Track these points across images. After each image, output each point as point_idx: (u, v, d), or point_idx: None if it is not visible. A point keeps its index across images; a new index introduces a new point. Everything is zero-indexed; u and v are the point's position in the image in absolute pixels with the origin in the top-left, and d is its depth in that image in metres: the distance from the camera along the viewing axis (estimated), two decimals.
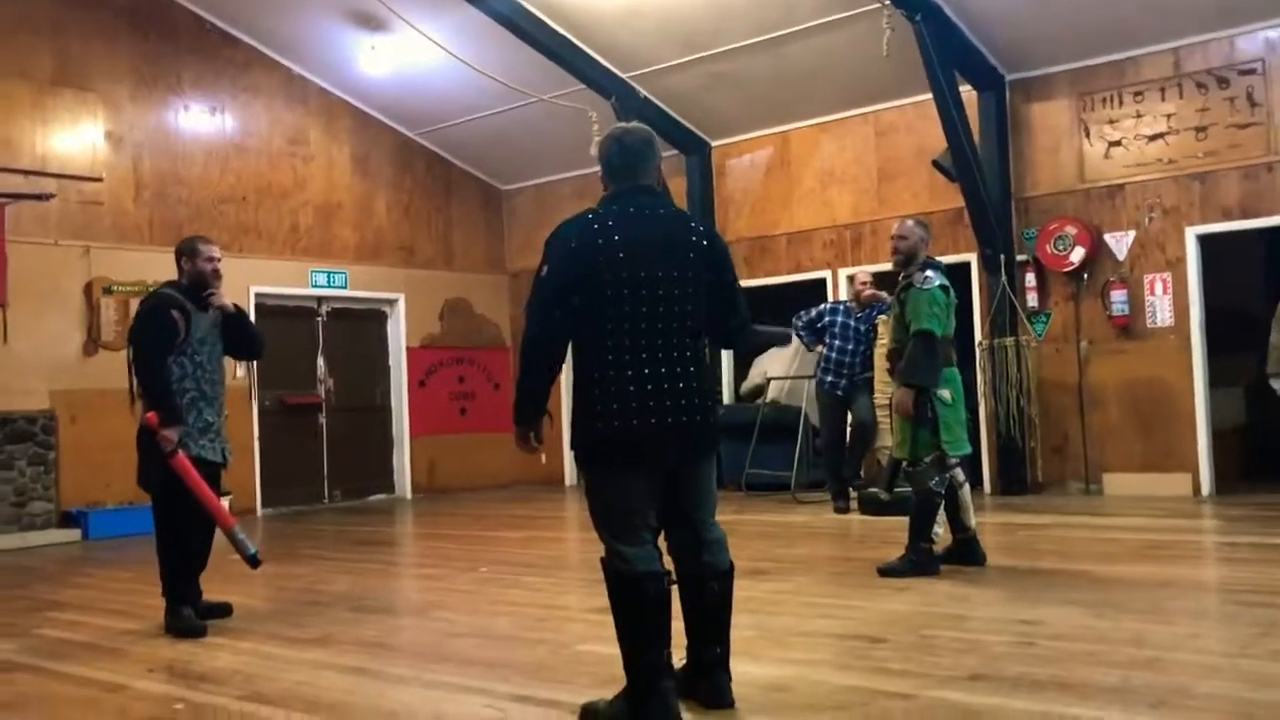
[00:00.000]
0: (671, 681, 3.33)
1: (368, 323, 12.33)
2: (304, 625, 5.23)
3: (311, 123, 11.73)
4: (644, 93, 10.81)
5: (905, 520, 5.98)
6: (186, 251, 5.40)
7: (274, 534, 9.43)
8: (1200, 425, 8.91)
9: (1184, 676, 3.71)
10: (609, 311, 3.34)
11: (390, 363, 12.46)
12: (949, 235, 9.86)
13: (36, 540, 9.15)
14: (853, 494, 8.87)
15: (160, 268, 7.21)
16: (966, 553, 5.98)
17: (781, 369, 10.73)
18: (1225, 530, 7.43)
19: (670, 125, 11.05)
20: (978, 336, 9.79)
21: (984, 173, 9.39)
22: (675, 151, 11.34)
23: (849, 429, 9.06)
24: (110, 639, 5.12)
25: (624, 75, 10.63)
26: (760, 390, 10.76)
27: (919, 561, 5.76)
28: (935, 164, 9.69)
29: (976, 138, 9.46)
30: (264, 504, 10.99)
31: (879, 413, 8.60)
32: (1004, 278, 9.57)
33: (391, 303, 12.40)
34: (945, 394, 5.79)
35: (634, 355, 3.35)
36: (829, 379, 8.91)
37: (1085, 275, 9.40)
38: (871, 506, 8.48)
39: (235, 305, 5.56)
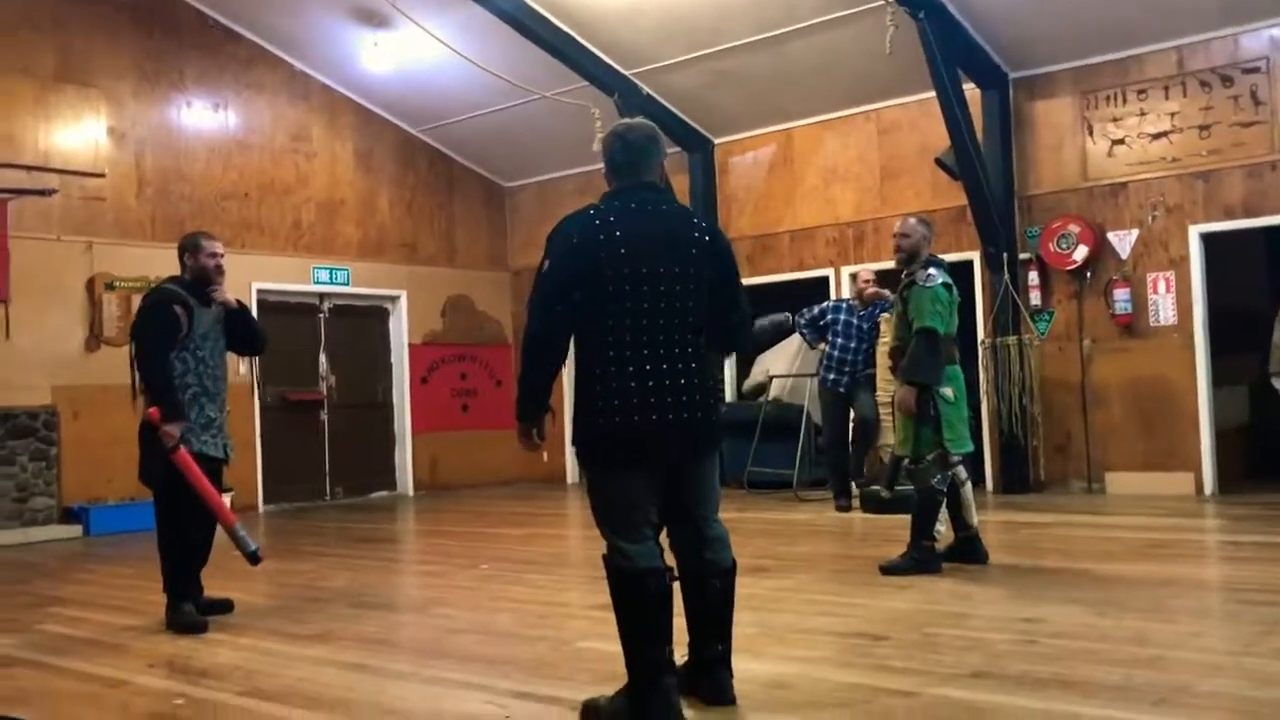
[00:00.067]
0: (673, 678, 3.33)
1: (370, 319, 12.33)
2: (305, 621, 5.23)
3: (314, 119, 11.73)
4: (647, 90, 10.80)
5: (907, 518, 5.97)
6: (189, 247, 5.40)
7: (275, 530, 9.44)
8: (1203, 424, 8.89)
9: (1186, 675, 3.71)
10: (610, 307, 3.33)
11: (392, 359, 12.46)
12: (952, 233, 9.85)
13: (38, 536, 9.16)
14: (855, 492, 8.87)
15: (162, 263, 7.23)
16: (969, 551, 5.97)
17: (784, 367, 10.72)
18: (1228, 529, 7.42)
19: (673, 122, 11.04)
20: (980, 335, 9.77)
21: (987, 171, 9.38)
22: (678, 149, 11.32)
23: (851, 426, 9.05)
24: (111, 634, 5.12)
25: (627, 72, 10.62)
26: (762, 388, 10.76)
27: (921, 559, 5.75)
28: (938, 162, 9.68)
29: (980, 136, 9.45)
30: (266, 500, 11.00)
31: (881, 410, 8.60)
32: (1007, 276, 9.56)
33: (394, 299, 12.40)
34: (948, 392, 5.78)
35: (635, 351, 3.34)
36: (831, 377, 8.90)
37: (1088, 274, 9.39)
38: (873, 504, 8.47)
39: (238, 301, 5.56)
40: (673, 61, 10.43)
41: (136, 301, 7.06)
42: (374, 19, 10.39)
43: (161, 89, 10.58)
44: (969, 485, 6.03)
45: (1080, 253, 9.31)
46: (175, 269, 5.46)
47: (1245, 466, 9.71)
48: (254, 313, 6.63)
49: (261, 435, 10.95)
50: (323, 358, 11.85)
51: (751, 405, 10.62)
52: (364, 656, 4.48)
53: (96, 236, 9.94)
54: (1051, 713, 3.34)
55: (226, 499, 5.79)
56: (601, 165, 3.59)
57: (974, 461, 7.40)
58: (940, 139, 9.44)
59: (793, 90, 10.51)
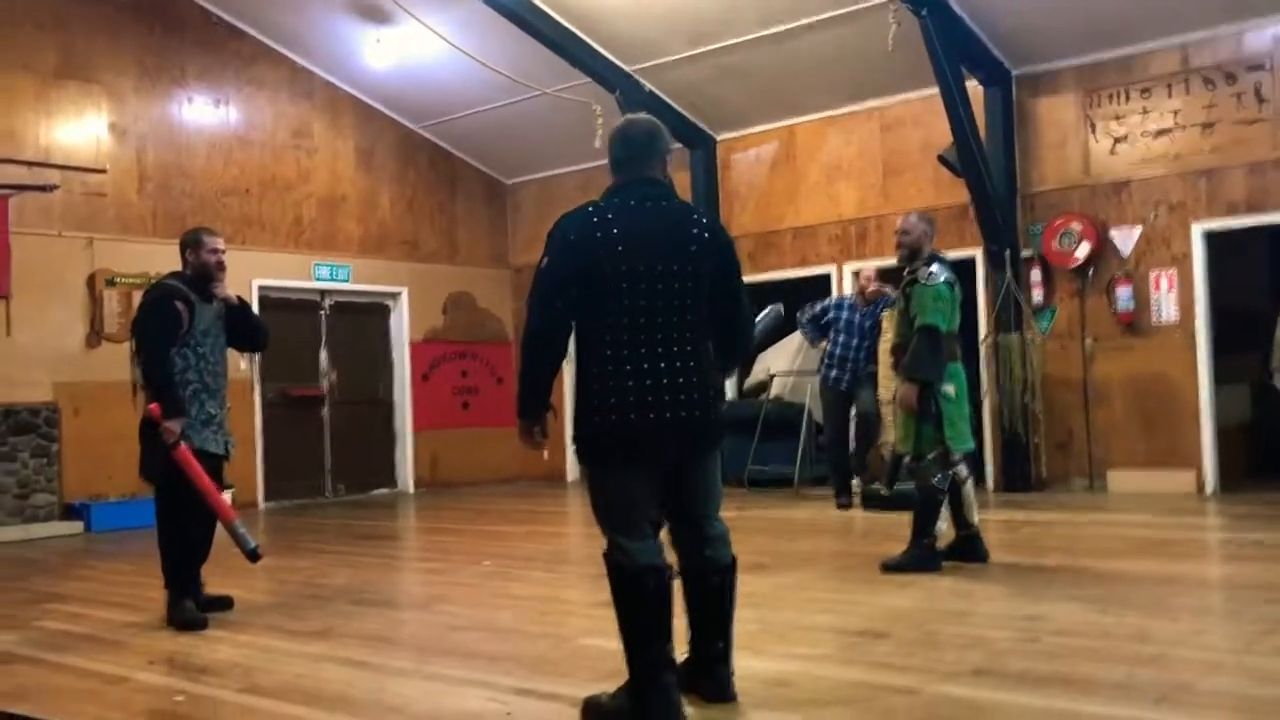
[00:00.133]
0: (673, 675, 3.32)
1: (371, 316, 12.32)
2: (305, 618, 5.22)
3: (315, 115, 11.72)
4: (649, 86, 10.79)
5: (908, 516, 5.96)
6: (191, 243, 5.39)
7: (276, 527, 9.43)
8: (1205, 422, 8.88)
9: (1188, 673, 3.70)
10: (608, 305, 3.32)
11: (393, 356, 12.45)
12: (954, 230, 9.83)
13: (39, 532, 9.16)
14: (856, 489, 8.86)
15: (163, 260, 7.21)
16: (969, 549, 5.96)
17: (785, 364, 10.72)
18: (1229, 527, 7.41)
19: (675, 119, 11.01)
20: (982, 332, 9.76)
21: (989, 168, 9.36)
22: (680, 145, 11.31)
23: (853, 424, 9.05)
24: (111, 631, 5.12)
25: (628, 68, 10.61)
26: (764, 386, 10.75)
27: (922, 557, 5.75)
28: (941, 159, 9.66)
29: (982, 133, 9.43)
30: (266, 497, 11.00)
31: (882, 408, 8.59)
32: (1009, 273, 9.54)
33: (395, 296, 12.39)
34: (949, 389, 5.77)
35: (633, 349, 3.33)
36: (833, 374, 8.89)
37: (1090, 271, 9.37)
38: (874, 502, 8.47)
39: (239, 297, 5.56)
40: (675, 57, 10.41)
41: (137, 297, 7.06)
42: (376, 15, 10.38)
43: (163, 85, 10.57)
44: (970, 483, 6.02)
45: (1082, 250, 9.29)
46: (176, 265, 5.46)
47: (1247, 464, 9.69)
48: (255, 309, 6.62)
49: (262, 432, 10.96)
50: (323, 354, 11.84)
51: (752, 403, 10.62)
52: (364, 653, 4.47)
53: (98, 232, 9.93)
54: (1052, 710, 3.34)
55: (227, 496, 5.78)
56: (603, 161, 3.59)
57: (975, 459, 7.39)
58: (943, 136, 9.43)
59: (795, 86, 10.50)
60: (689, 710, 3.35)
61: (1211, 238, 8.95)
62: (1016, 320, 9.58)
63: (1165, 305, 9.07)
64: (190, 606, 5.15)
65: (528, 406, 3.47)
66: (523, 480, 12.61)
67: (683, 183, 11.16)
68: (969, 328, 8.30)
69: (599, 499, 3.44)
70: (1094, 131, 9.42)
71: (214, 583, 5.50)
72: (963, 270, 7.73)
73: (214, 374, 5.35)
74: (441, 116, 12.21)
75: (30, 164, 9.53)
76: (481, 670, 4.11)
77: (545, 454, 3.93)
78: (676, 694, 3.30)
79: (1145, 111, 9.15)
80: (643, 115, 3.71)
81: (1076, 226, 9.32)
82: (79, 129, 9.97)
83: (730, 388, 11.62)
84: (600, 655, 4.05)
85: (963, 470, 5.94)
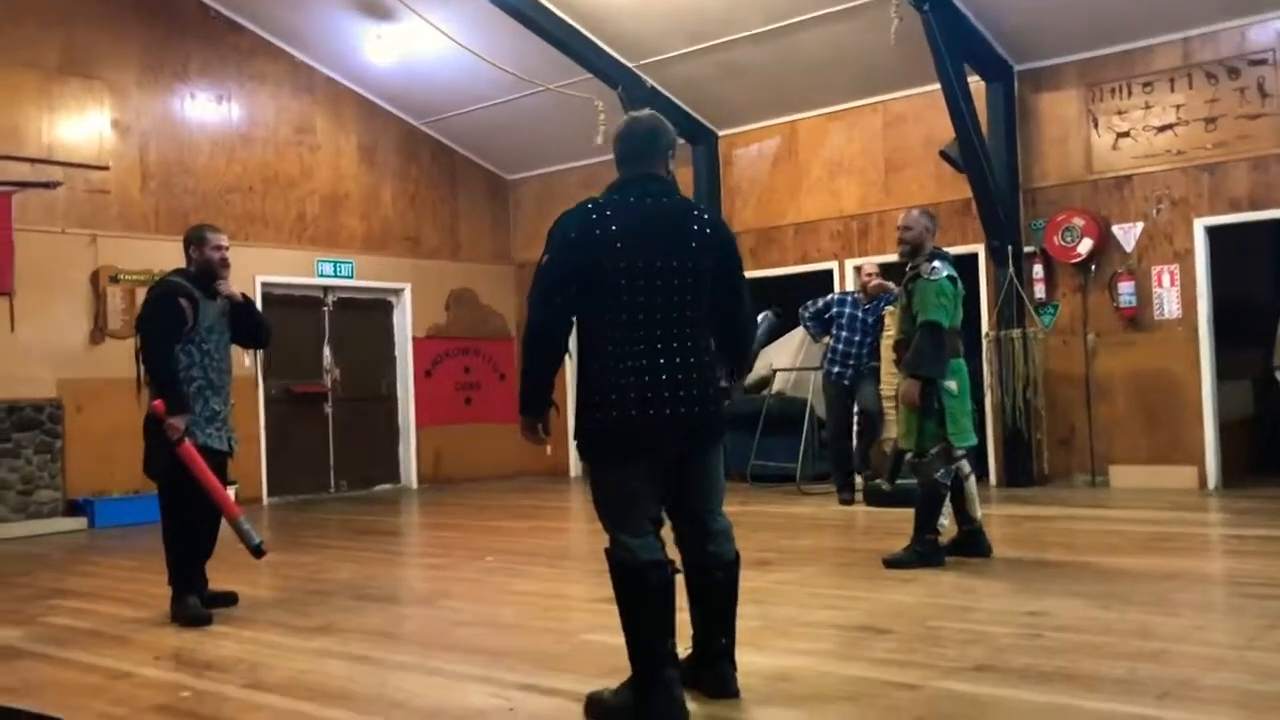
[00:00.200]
0: (676, 671, 3.33)
1: (374, 312, 12.33)
2: (308, 614, 5.24)
3: (318, 112, 11.72)
4: (651, 82, 10.78)
5: (910, 512, 5.97)
6: (194, 240, 5.40)
7: (279, 523, 9.45)
8: (1207, 418, 8.88)
9: (1190, 668, 3.70)
10: (608, 302, 3.33)
11: (396, 353, 12.45)
12: (956, 226, 9.83)
13: (43, 528, 9.17)
14: (858, 485, 8.87)
15: (167, 256, 7.24)
16: (972, 544, 5.97)
17: (787, 360, 10.72)
18: (1232, 523, 7.41)
19: (677, 115, 11.00)
20: (984, 328, 9.76)
21: (992, 163, 9.36)
22: (682, 141, 11.29)
23: (855, 420, 9.05)
24: (116, 627, 5.14)
25: (631, 64, 10.61)
26: (766, 382, 10.75)
27: (924, 553, 5.75)
28: (943, 154, 9.66)
29: (984, 128, 9.43)
30: (270, 493, 11.01)
31: (885, 403, 8.59)
32: (1011, 269, 9.54)
33: (397, 293, 12.40)
34: (951, 385, 5.78)
35: (633, 346, 3.33)
36: (835, 370, 8.90)
37: (1093, 267, 9.37)
38: (876, 498, 8.47)
39: (243, 294, 5.57)
40: (677, 53, 10.41)
41: (141, 294, 7.06)
42: (377, 11, 10.38)
43: (165, 81, 10.57)
44: (973, 479, 6.03)
45: (1085, 246, 9.29)
46: (180, 262, 5.48)
47: (1249, 460, 9.70)
48: (258, 306, 6.63)
49: (266, 428, 10.97)
50: (326, 351, 11.86)
51: (755, 399, 10.62)
52: (367, 648, 4.48)
53: (101, 229, 9.94)
54: (1054, 706, 3.35)
55: (231, 492, 5.79)
56: (605, 158, 3.60)
57: (977, 455, 7.41)
58: (945, 131, 9.42)
59: (797, 82, 10.49)
60: (692, 706, 3.36)
61: (1214, 233, 8.94)
62: (1019, 316, 9.58)
63: (1167, 301, 9.07)
64: (194, 602, 5.16)
65: (530, 403, 3.47)
66: (525, 476, 12.61)
67: (685, 178, 11.15)
68: (971, 323, 8.29)
69: (601, 495, 3.45)
70: (1096, 127, 9.41)
71: (218, 579, 5.50)
72: (965, 266, 7.75)
73: (218, 370, 5.36)
74: (443, 113, 12.21)
75: (33, 161, 9.54)
76: (484, 665, 4.12)
77: (548, 450, 3.95)
78: (679, 690, 3.31)
79: (1148, 106, 9.14)
80: (646, 112, 3.72)
81: (1079, 222, 9.31)
82: (82, 125, 9.98)
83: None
84: (603, 651, 4.06)
85: (965, 466, 5.95)
